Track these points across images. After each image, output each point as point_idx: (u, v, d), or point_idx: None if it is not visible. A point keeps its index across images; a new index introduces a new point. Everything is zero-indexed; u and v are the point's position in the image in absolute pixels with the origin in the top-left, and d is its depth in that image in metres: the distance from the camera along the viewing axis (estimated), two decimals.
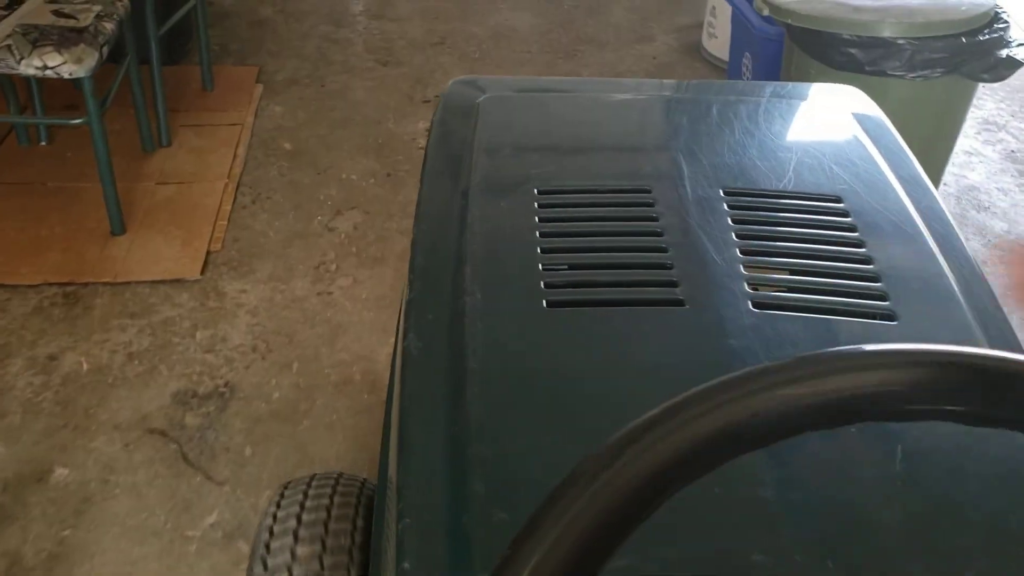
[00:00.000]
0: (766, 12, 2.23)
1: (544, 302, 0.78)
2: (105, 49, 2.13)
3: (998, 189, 2.79)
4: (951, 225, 0.92)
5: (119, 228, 2.35)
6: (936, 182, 2.40)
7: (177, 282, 2.22)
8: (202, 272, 2.25)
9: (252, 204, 2.54)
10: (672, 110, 1.15)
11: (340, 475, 1.13)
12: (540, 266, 0.82)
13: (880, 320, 0.77)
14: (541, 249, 0.84)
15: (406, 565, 0.58)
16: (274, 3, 3.81)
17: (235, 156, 2.73)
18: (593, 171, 0.98)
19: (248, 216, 2.49)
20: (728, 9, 3.03)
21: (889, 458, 0.64)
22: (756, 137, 1.05)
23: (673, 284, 0.80)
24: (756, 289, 0.80)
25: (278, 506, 1.07)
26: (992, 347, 0.75)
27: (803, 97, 1.18)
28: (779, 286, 0.81)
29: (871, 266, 0.83)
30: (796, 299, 0.79)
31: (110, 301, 2.15)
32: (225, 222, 2.44)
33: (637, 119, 1.13)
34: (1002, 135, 3.13)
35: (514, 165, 0.99)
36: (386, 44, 3.52)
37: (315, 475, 1.13)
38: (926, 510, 0.61)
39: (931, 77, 2.11)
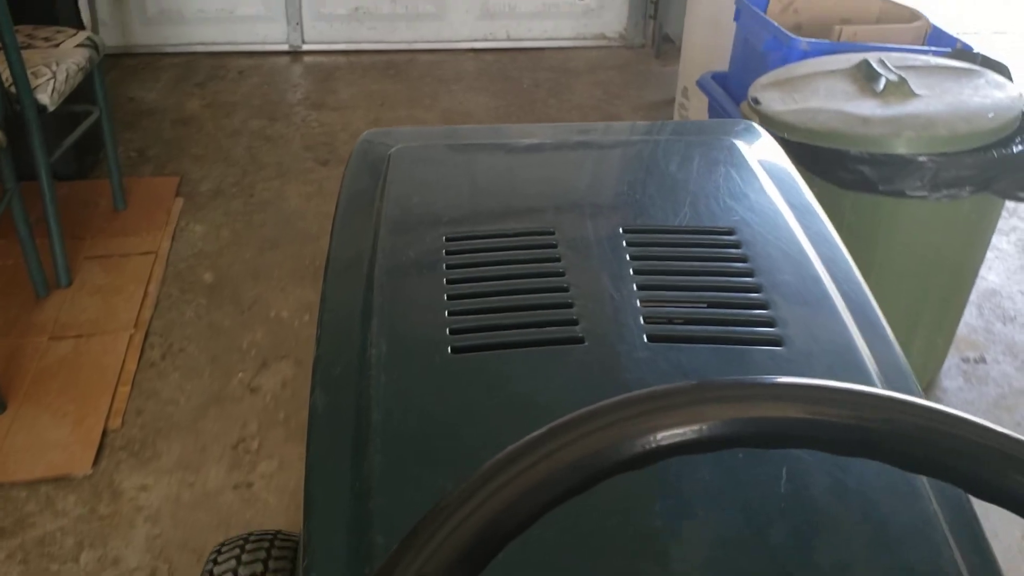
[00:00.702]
0: (756, 122, 1.88)
1: (449, 348, 0.79)
2: None
3: (1021, 293, 2.46)
4: (839, 247, 0.96)
5: None
6: (962, 308, 2.06)
7: (63, 480, 1.82)
8: (95, 463, 1.86)
9: (161, 360, 2.15)
10: (577, 153, 1.18)
11: (277, 533, 1.17)
12: (446, 313, 0.83)
13: (767, 346, 0.79)
14: (448, 296, 0.86)
15: None
16: (203, 96, 3.44)
17: (145, 295, 2.34)
18: (500, 216, 1.01)
19: (156, 377, 2.10)
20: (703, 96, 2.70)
21: (773, 479, 0.66)
22: (656, 175, 1.09)
23: (573, 322, 0.82)
24: (651, 322, 0.82)
25: (215, 563, 1.11)
26: (876, 362, 0.79)
27: (702, 133, 1.24)
28: (672, 318, 0.84)
29: (759, 294, 0.86)
30: (688, 330, 0.82)
31: None
32: (128, 388, 2.05)
33: (544, 163, 1.15)
34: (1014, 221, 2.80)
35: (423, 214, 1.00)
36: (327, 139, 3.16)
37: (251, 534, 1.17)
38: (811, 528, 0.63)
39: (959, 197, 1.77)
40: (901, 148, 1.74)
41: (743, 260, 0.91)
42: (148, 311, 2.29)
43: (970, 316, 2.33)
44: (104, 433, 1.93)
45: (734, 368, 0.77)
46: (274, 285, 2.41)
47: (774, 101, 1.89)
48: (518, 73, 3.71)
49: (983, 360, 2.21)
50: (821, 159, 1.83)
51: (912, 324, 1.96)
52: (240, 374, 2.11)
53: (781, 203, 1.02)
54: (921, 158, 1.74)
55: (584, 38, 3.95)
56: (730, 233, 0.96)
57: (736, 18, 2.42)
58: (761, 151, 1.15)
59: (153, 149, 3.06)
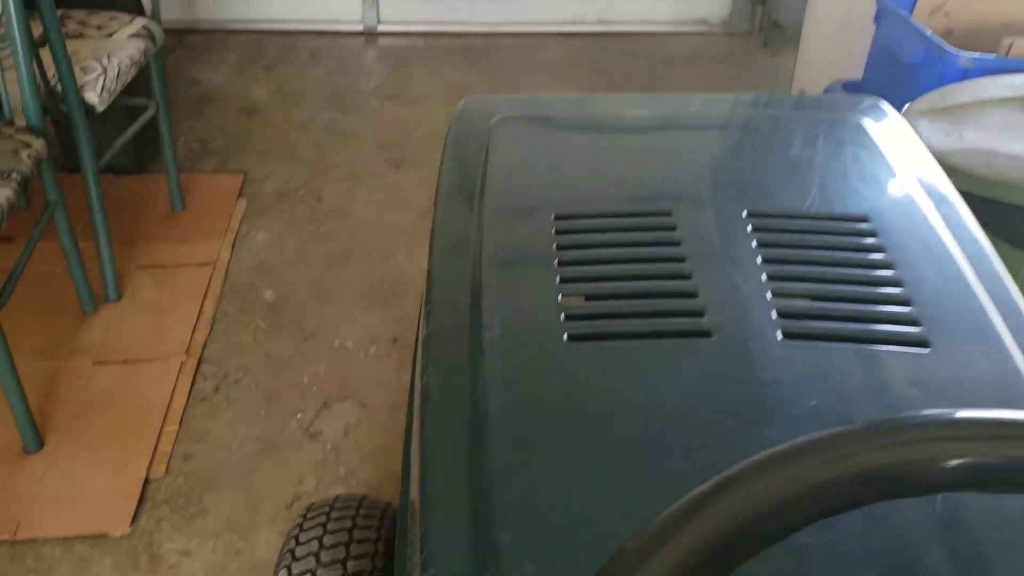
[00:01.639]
0: None
1: (565, 335, 0.75)
2: None
3: None
4: (982, 243, 0.88)
5: (34, 444, 1.77)
6: None
7: (99, 538, 1.63)
8: (134, 519, 1.66)
9: (214, 394, 1.94)
10: (691, 127, 1.11)
11: (363, 498, 1.21)
12: (559, 297, 0.80)
13: (912, 347, 0.73)
14: (560, 279, 0.82)
15: None
16: (270, 81, 3.22)
17: (200, 314, 2.14)
18: (612, 194, 0.95)
19: (207, 415, 1.89)
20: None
21: (929, 499, 0.61)
22: (778, 154, 1.03)
23: (699, 314, 0.77)
24: (785, 317, 0.76)
25: (301, 528, 1.16)
26: None
27: (825, 109, 1.16)
28: (808, 314, 0.77)
29: (900, 289, 0.80)
30: (825, 327, 0.75)
31: (5, 573, 1.56)
32: (175, 427, 1.85)
33: (656, 138, 1.08)
34: None
35: (529, 190, 0.96)
36: (400, 137, 2.91)
37: (338, 497, 1.22)
38: (970, 552, 0.58)
39: None
40: None
41: (880, 251, 0.84)
42: (202, 333, 2.09)
43: None
44: (147, 482, 1.73)
45: (878, 371, 0.71)
46: (339, 309, 2.18)
47: (935, 135, 1.58)
48: (609, 62, 3.41)
49: None
50: (995, 213, 1.52)
51: None
52: (299, 415, 1.90)
53: (917, 190, 0.94)
54: None
55: (683, 23, 3.62)
56: (864, 220, 0.89)
57: (876, 20, 2.09)
58: (890, 132, 1.06)
59: (216, 141, 2.85)
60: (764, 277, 0.81)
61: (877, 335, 0.75)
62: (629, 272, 0.82)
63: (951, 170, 1.52)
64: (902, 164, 0.99)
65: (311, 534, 1.17)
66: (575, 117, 1.15)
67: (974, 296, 0.79)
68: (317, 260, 2.35)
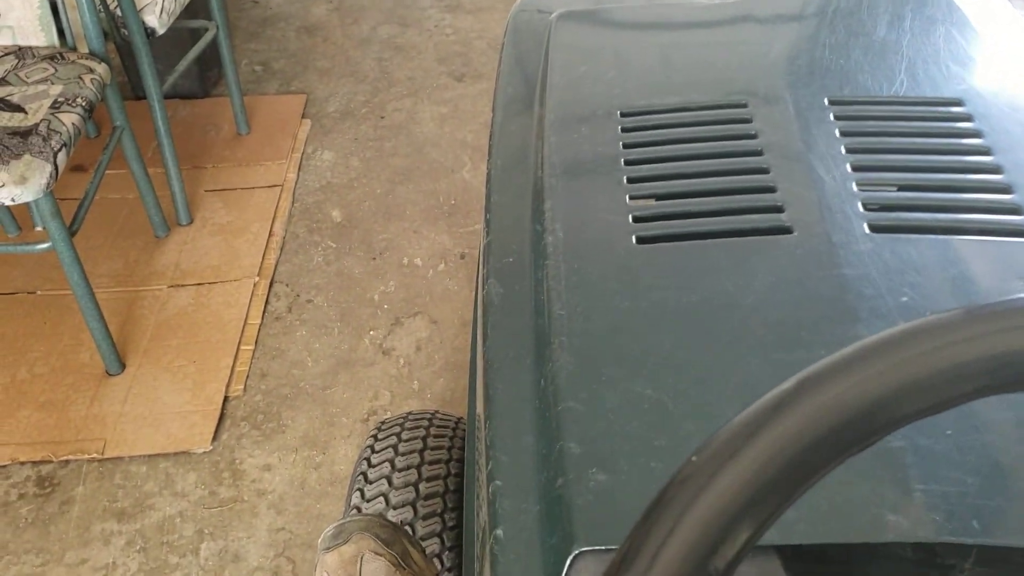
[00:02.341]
0: None
1: (634, 238, 0.72)
2: (63, 155, 1.56)
3: None
4: None
5: (116, 367, 1.81)
6: None
7: (182, 455, 1.67)
8: (215, 436, 1.70)
9: (288, 313, 1.96)
10: (765, 12, 1.04)
11: (434, 413, 1.23)
12: (627, 198, 0.75)
13: (1015, 237, 0.68)
14: (627, 179, 0.77)
15: (499, 532, 0.56)
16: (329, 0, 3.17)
17: (270, 235, 2.15)
18: (680, 88, 0.89)
19: (282, 334, 1.91)
20: None
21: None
22: (861, 37, 0.96)
23: (778, 209, 0.72)
24: (871, 210, 0.72)
25: (375, 438, 1.19)
26: None
27: None
28: (897, 205, 0.73)
29: (1000, 176, 0.74)
30: (916, 219, 0.71)
31: (95, 490, 1.62)
32: (251, 347, 1.88)
33: (728, 27, 1.02)
34: None
35: (593, 87, 0.91)
36: (462, 49, 2.85)
37: (409, 413, 1.23)
38: None
39: None
40: None
41: (977, 136, 0.78)
42: (273, 255, 2.10)
43: None
44: (226, 400, 1.76)
45: (975, 263, 0.67)
46: (407, 227, 2.17)
47: None
48: None
49: None
50: None
51: None
52: (371, 332, 1.91)
53: (1016, 70, 0.87)
54: None
55: None
56: (958, 104, 0.83)
57: None
58: (985, 8, 0.99)
59: (278, 62, 2.83)
60: (848, 168, 0.76)
61: (973, 225, 0.70)
62: (701, 169, 0.78)
63: None
64: (999, 43, 0.92)
65: (383, 456, 1.18)
66: (639, 10, 1.09)
67: None
68: (382, 178, 2.33)
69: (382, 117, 2.56)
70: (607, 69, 0.95)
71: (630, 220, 0.74)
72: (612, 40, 1.03)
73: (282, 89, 2.71)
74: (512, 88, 0.96)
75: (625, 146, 0.82)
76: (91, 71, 1.73)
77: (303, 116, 2.58)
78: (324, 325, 1.93)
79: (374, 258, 2.09)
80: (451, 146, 2.43)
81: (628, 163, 0.79)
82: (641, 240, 0.72)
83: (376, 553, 0.95)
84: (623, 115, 0.86)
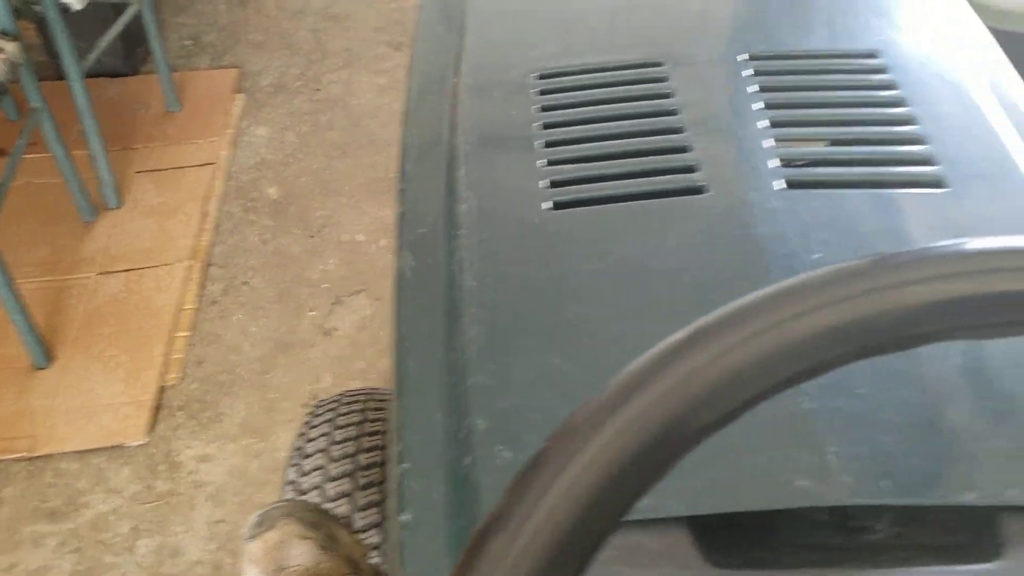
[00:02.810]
0: None
1: (548, 204, 0.70)
2: None
3: None
4: (1007, 75, 0.79)
5: (43, 359, 1.74)
6: None
7: (116, 449, 1.61)
8: (151, 428, 1.63)
9: (223, 296, 1.89)
10: None
11: (374, 390, 1.19)
12: (542, 163, 0.73)
13: (927, 188, 0.68)
14: (545, 142, 0.75)
15: (406, 517, 0.54)
16: None
17: (204, 216, 2.07)
18: (598, 49, 0.86)
19: (217, 318, 1.85)
20: None
21: (948, 347, 0.54)
22: None
23: (692, 169, 0.71)
24: (787, 166, 0.70)
25: (310, 426, 1.13)
26: None
27: None
28: (811, 160, 0.72)
29: (915, 127, 0.73)
30: (832, 173, 0.70)
31: (24, 489, 1.55)
32: (187, 333, 1.81)
33: None
34: None
35: (510, 50, 0.88)
36: (401, 16, 2.77)
37: (346, 391, 1.19)
38: (998, 406, 0.52)
39: None
40: None
41: (891, 87, 0.77)
42: (208, 236, 2.03)
43: None
44: (161, 390, 1.70)
45: (890, 215, 0.66)
46: (346, 202, 2.11)
47: None
48: None
49: None
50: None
51: None
52: (311, 312, 1.85)
53: (935, 22, 0.86)
54: None
55: None
56: (873, 56, 0.81)
57: None
58: None
59: (209, 36, 2.73)
60: (764, 124, 0.74)
61: (888, 178, 0.69)
62: (616, 131, 0.76)
63: (998, 13, 1.39)
64: None
65: (320, 430, 1.14)
66: None
67: (995, 132, 0.72)
68: (319, 153, 2.26)
69: (317, 90, 2.48)
70: (524, 32, 0.92)
71: (545, 185, 0.72)
72: (530, 2, 0.99)
73: (214, 64, 2.61)
74: (428, 54, 0.92)
75: (541, 109, 0.79)
76: (1, 51, 1.64)
77: (236, 91, 2.49)
78: (262, 307, 1.86)
79: (312, 236, 2.03)
80: (390, 117, 2.36)
81: (544, 126, 0.77)
82: (557, 206, 0.70)
83: (302, 537, 0.92)
84: (540, 77, 0.83)
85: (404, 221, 0.74)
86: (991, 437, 0.51)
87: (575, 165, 0.74)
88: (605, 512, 0.27)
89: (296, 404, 1.67)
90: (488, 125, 0.80)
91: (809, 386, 0.52)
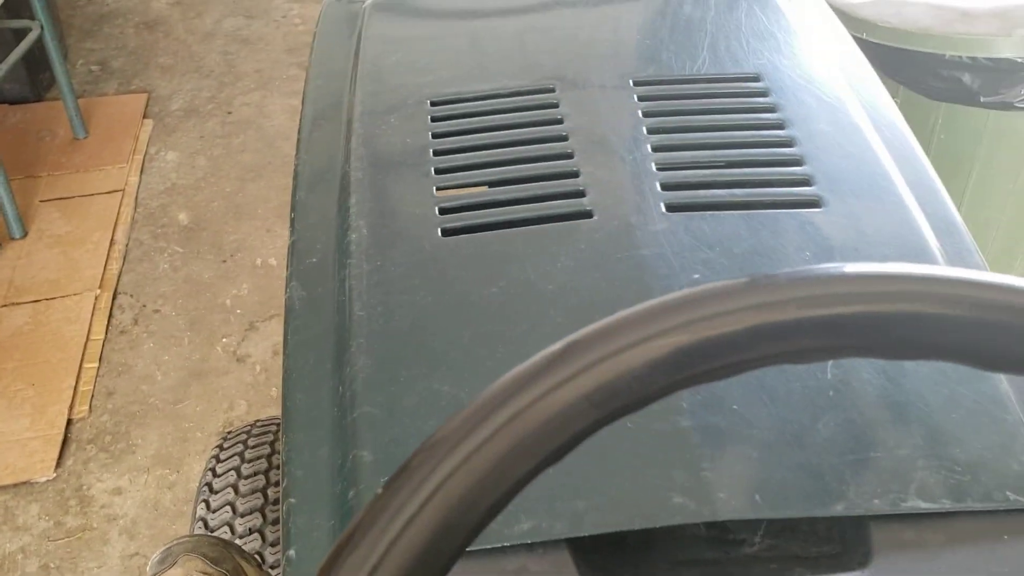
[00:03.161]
0: None
1: (439, 231, 0.70)
2: None
3: None
4: (883, 94, 0.85)
5: None
6: None
7: (23, 486, 1.58)
8: (59, 463, 1.61)
9: (133, 326, 1.88)
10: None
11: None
12: (434, 189, 0.74)
13: (805, 208, 0.70)
14: (435, 169, 0.76)
15: (292, 553, 0.54)
16: None
17: (112, 244, 2.05)
18: (492, 75, 0.89)
19: (127, 348, 1.83)
20: None
21: (818, 365, 0.57)
22: (667, 16, 0.99)
23: (580, 194, 0.72)
24: (668, 189, 0.72)
25: (217, 459, 1.12)
26: (929, 219, 0.69)
27: None
28: (693, 183, 0.74)
29: (793, 148, 0.76)
30: (712, 195, 0.72)
31: None
32: (95, 365, 1.79)
33: (539, 11, 1.02)
34: None
35: (404, 76, 0.90)
36: (312, 38, 2.77)
37: (256, 421, 1.19)
38: (865, 420, 0.54)
39: None
40: (1011, 51, 1.38)
41: (772, 110, 0.80)
42: (116, 264, 2.01)
43: None
44: (69, 423, 1.68)
45: (766, 235, 0.68)
46: (259, 225, 2.11)
47: None
48: None
49: None
50: (908, 64, 1.47)
51: (1011, 254, 1.65)
52: (224, 339, 1.84)
53: (814, 45, 0.90)
54: None
55: None
56: (756, 79, 0.84)
57: None
58: None
59: (117, 60, 2.70)
60: (649, 148, 0.76)
61: (765, 198, 0.71)
62: (508, 156, 0.77)
63: (864, 23, 1.46)
64: (799, 19, 0.93)
65: (228, 464, 1.14)
66: None
67: (872, 151, 0.75)
68: (231, 176, 2.25)
69: (229, 112, 2.47)
70: (419, 58, 0.93)
71: (436, 212, 0.72)
72: (425, 29, 1.01)
73: (122, 89, 2.58)
74: (322, 80, 0.93)
75: (434, 136, 0.80)
76: None
77: (145, 116, 2.46)
78: (173, 335, 1.85)
79: (225, 260, 2.02)
80: None
81: (436, 153, 0.78)
82: (446, 232, 0.70)
83: (205, 573, 0.92)
84: (433, 104, 0.84)
85: (295, 251, 0.73)
86: (857, 450, 0.53)
87: (466, 192, 0.75)
88: (451, 538, 0.28)
89: (210, 433, 1.67)
90: (381, 152, 0.80)
91: (686, 404, 0.55)
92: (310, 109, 0.89)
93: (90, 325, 1.86)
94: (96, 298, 1.92)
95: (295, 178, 0.82)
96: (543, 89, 0.84)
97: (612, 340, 0.30)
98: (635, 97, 0.82)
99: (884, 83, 1.54)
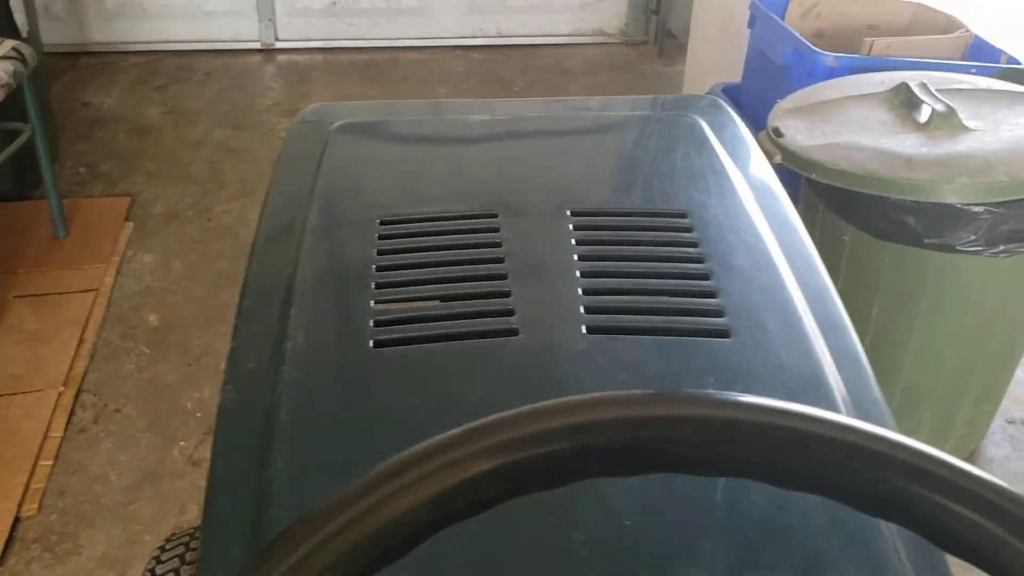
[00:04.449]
0: (778, 160, 1.60)
1: (371, 342, 0.73)
2: None
3: None
4: (799, 232, 0.91)
5: None
6: (1013, 371, 1.78)
7: None
8: (1, 561, 1.59)
9: (93, 425, 1.88)
10: (532, 130, 1.12)
11: None
12: (372, 303, 0.78)
13: (714, 338, 0.74)
14: (376, 284, 0.80)
15: None
16: (164, 101, 3.15)
17: (80, 343, 2.07)
18: (442, 198, 0.94)
19: (85, 447, 1.82)
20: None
21: (712, 481, 0.60)
22: (611, 153, 1.05)
23: (509, 313, 0.76)
24: (592, 312, 0.76)
25: (158, 561, 1.11)
26: (832, 352, 0.73)
27: (661, 110, 1.19)
28: (614, 308, 0.78)
29: (709, 281, 0.81)
30: (631, 321, 0.76)
31: None
32: (50, 462, 1.78)
33: (496, 141, 1.09)
34: None
35: (359, 196, 0.95)
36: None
37: (199, 526, 1.16)
38: (749, 540, 0.57)
39: (1018, 252, 1.49)
40: (952, 197, 1.46)
41: (694, 245, 0.86)
42: (82, 363, 2.02)
43: None
44: (17, 521, 1.66)
45: (675, 361, 0.73)
46: (227, 331, 2.10)
47: (799, 133, 1.61)
48: (509, 74, 3.41)
49: None
50: (855, 205, 1.55)
51: (958, 393, 1.69)
52: (182, 442, 1.84)
53: (742, 185, 0.96)
54: (976, 208, 1.46)
55: (581, 34, 3.65)
56: (683, 216, 0.90)
57: (750, 25, 2.13)
58: (724, 129, 1.09)
59: (105, 164, 2.77)
60: (578, 274, 0.81)
61: (679, 326, 0.76)
62: (445, 275, 0.81)
63: (815, 164, 1.54)
64: (731, 161, 1.00)
65: (168, 566, 1.13)
66: (418, 123, 1.15)
67: (784, 287, 0.80)
68: (205, 281, 2.29)
69: (209, 219, 2.53)
70: (375, 180, 0.98)
71: (371, 324, 0.75)
72: (386, 152, 1.07)
73: (107, 191, 2.65)
74: (281, 198, 0.97)
75: (379, 252, 0.84)
76: None
77: (127, 219, 2.52)
78: (132, 436, 1.85)
79: (190, 364, 2.04)
80: None
81: (379, 269, 0.82)
82: (378, 344, 0.73)
83: None
84: (382, 223, 0.88)
85: (233, 357, 0.76)
86: (739, 571, 0.56)
87: (402, 306, 0.78)
88: None
89: (159, 537, 1.64)
90: (327, 266, 0.84)
91: (581, 516, 0.58)
92: (266, 224, 0.93)
93: (50, 422, 1.86)
94: (59, 395, 1.92)
95: (243, 287, 0.85)
96: (487, 214, 0.89)
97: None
98: (571, 226, 0.87)
99: (834, 222, 1.62)
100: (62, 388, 1.94)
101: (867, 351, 1.73)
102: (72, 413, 1.89)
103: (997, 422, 1.90)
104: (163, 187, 2.66)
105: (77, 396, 1.94)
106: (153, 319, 2.16)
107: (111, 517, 1.68)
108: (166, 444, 1.84)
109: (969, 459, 1.83)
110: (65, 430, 1.85)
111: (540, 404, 0.35)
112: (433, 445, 0.33)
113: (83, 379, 1.98)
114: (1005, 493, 0.29)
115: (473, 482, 0.32)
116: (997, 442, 1.88)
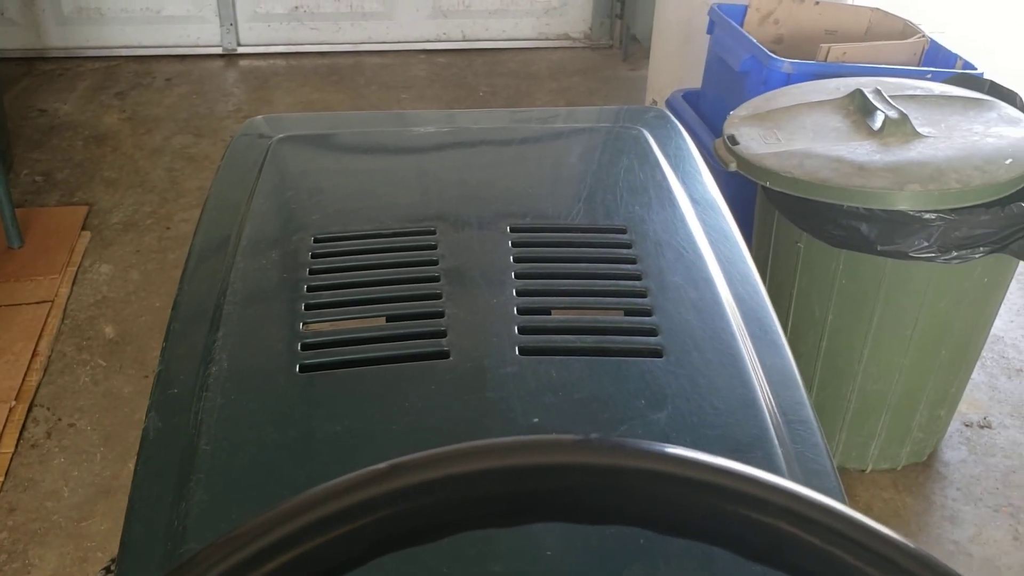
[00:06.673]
0: (733, 167, 1.60)
1: (297, 366, 0.71)
2: None
3: None
4: (739, 246, 0.89)
5: None
6: (968, 376, 1.79)
7: None
8: None
9: (46, 440, 1.85)
10: (476, 142, 1.09)
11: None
12: (301, 325, 0.75)
13: (646, 358, 0.72)
14: (305, 306, 0.77)
15: None
16: (123, 108, 3.11)
17: (34, 356, 2.03)
18: (379, 214, 0.91)
19: (37, 463, 1.79)
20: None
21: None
22: (554, 167, 1.03)
23: (441, 334, 0.74)
24: (526, 333, 0.74)
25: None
26: (765, 370, 0.72)
27: (605, 122, 1.17)
28: (546, 328, 0.76)
29: (645, 299, 0.79)
30: (564, 341, 0.75)
31: None
32: (0, 479, 1.75)
33: (438, 154, 1.07)
34: None
35: (294, 212, 0.91)
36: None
37: None
38: (680, 560, 0.57)
39: (970, 259, 1.50)
40: (904, 204, 1.47)
41: (632, 262, 0.83)
42: (35, 376, 1.99)
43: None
44: None
45: (607, 382, 0.71)
46: None
47: (754, 141, 1.61)
48: (474, 78, 3.40)
49: (988, 424, 1.95)
50: (810, 213, 1.55)
51: (913, 398, 1.70)
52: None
53: (683, 199, 0.94)
54: (928, 215, 1.47)
55: (546, 38, 3.64)
56: (622, 232, 0.88)
57: (709, 31, 2.13)
58: (670, 141, 1.07)
59: (62, 172, 2.73)
60: (514, 292, 0.79)
61: (612, 346, 0.74)
62: (377, 295, 0.79)
63: (768, 172, 1.54)
64: (674, 175, 0.99)
65: None
66: (360, 135, 1.12)
67: (720, 305, 0.79)
68: (163, 291, 2.26)
69: (168, 228, 2.50)
70: (312, 195, 0.95)
71: (299, 348, 0.73)
72: (326, 166, 1.04)
73: (63, 200, 2.61)
74: (216, 213, 0.95)
75: (311, 272, 0.82)
76: None
77: (84, 228, 2.48)
78: (86, 451, 1.82)
79: (147, 376, 2.00)
80: None
81: (310, 289, 0.80)
82: (304, 368, 0.71)
83: None
84: (316, 240, 0.86)
85: (158, 381, 0.74)
86: None
87: (332, 329, 0.76)
88: None
89: (112, 554, 1.62)
90: (256, 286, 0.81)
91: (504, 548, 0.57)
92: (199, 242, 0.91)
93: (0, 438, 1.83)
94: (10, 410, 1.89)
95: (172, 309, 0.83)
96: (424, 231, 0.87)
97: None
98: (510, 243, 0.85)
99: (789, 229, 1.62)
100: (14, 403, 1.91)
101: (822, 357, 1.73)
102: (24, 428, 1.86)
103: (954, 425, 1.91)
104: (121, 195, 2.63)
105: (29, 410, 1.90)
106: (109, 331, 2.13)
107: (63, 534, 1.65)
108: (121, 459, 1.81)
109: (926, 463, 1.84)
110: (16, 445, 1.82)
111: (400, 459, 0.35)
112: (300, 501, 0.34)
113: (36, 393, 1.95)
114: (879, 534, 0.29)
115: (339, 541, 0.33)
116: (954, 445, 1.90)
